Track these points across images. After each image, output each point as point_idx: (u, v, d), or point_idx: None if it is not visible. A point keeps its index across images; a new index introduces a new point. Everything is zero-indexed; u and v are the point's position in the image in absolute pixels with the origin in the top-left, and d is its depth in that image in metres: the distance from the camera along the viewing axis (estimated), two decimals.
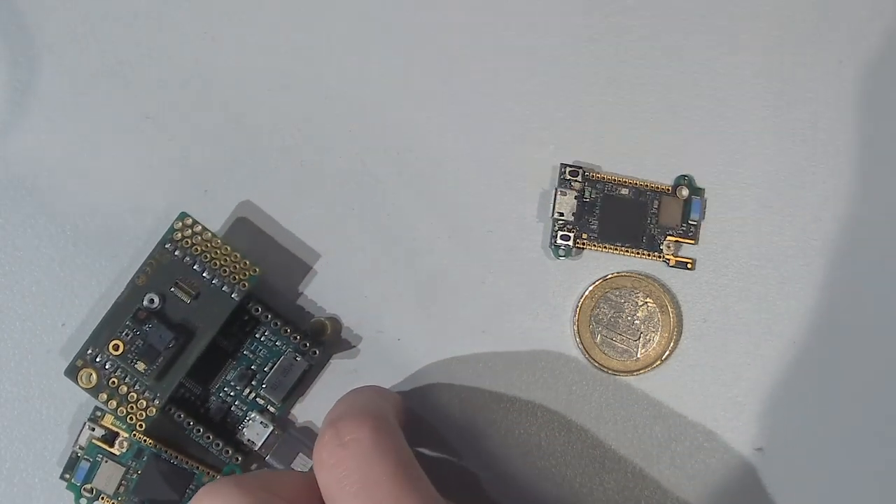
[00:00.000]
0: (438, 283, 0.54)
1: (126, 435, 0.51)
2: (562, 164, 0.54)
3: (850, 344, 0.54)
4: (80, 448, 0.51)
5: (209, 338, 0.51)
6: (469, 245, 0.55)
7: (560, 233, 0.54)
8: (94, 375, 0.51)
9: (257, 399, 0.53)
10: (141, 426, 0.50)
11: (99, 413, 0.52)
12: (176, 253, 0.51)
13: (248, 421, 0.52)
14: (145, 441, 0.51)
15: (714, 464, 0.54)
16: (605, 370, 0.54)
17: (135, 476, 0.51)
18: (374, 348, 0.54)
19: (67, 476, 0.51)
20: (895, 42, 0.56)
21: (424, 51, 0.55)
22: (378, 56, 0.55)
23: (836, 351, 0.54)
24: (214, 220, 0.54)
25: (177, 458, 0.52)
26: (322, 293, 0.54)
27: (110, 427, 0.51)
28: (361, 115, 0.55)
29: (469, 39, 0.55)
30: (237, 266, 0.51)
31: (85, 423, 0.51)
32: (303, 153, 0.55)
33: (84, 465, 0.51)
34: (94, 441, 0.51)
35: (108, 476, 0.51)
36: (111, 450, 0.51)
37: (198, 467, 0.52)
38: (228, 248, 0.51)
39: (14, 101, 0.54)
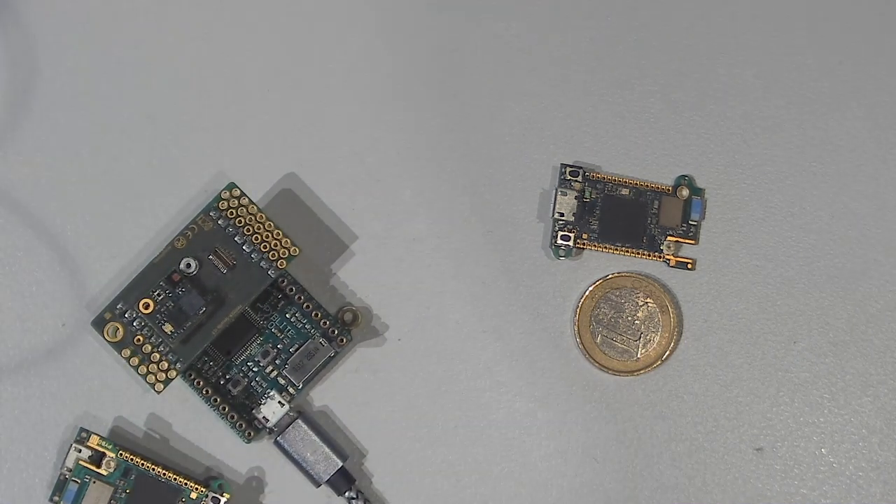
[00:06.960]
0: (438, 284, 0.54)
1: (112, 455, 0.51)
2: (562, 164, 0.54)
3: (849, 344, 0.54)
4: (68, 470, 0.51)
5: (239, 310, 0.51)
6: (469, 245, 0.55)
7: (560, 233, 0.54)
8: (121, 330, 0.50)
9: (278, 378, 0.53)
10: (159, 388, 0.50)
11: (85, 434, 0.51)
12: (219, 221, 0.51)
13: (266, 399, 0.52)
14: (131, 460, 0.51)
15: (714, 464, 0.54)
16: (605, 370, 0.54)
17: (123, 495, 0.51)
18: (374, 348, 0.54)
19: (56, 498, 0.51)
20: (895, 42, 0.56)
21: (424, 51, 0.55)
22: (378, 56, 0.55)
23: (836, 351, 0.54)
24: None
25: (164, 475, 0.51)
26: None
27: (96, 448, 0.51)
28: (362, 114, 0.55)
29: (468, 39, 0.55)
30: (278, 243, 0.51)
31: (71, 445, 0.51)
32: (302, 153, 0.55)
33: (73, 487, 0.51)
34: (80, 462, 0.51)
35: (97, 496, 0.51)
36: (98, 470, 0.51)
37: (185, 483, 0.51)
38: (272, 224, 0.51)
39: (14, 102, 0.54)
